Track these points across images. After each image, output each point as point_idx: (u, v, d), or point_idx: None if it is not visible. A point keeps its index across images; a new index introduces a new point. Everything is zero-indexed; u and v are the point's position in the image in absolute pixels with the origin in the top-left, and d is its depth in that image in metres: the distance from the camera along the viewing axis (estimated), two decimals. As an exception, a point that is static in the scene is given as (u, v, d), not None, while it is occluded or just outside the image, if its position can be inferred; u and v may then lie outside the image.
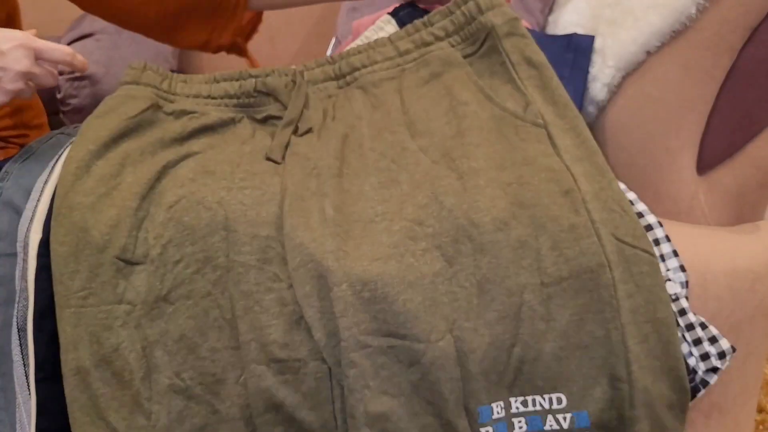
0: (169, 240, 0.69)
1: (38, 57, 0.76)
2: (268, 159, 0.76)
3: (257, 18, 1.07)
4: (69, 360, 0.67)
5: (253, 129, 0.81)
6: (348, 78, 0.84)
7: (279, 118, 0.81)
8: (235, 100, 0.83)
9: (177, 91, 0.84)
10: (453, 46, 0.83)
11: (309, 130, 0.79)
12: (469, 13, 0.81)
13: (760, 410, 1.23)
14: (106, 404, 0.66)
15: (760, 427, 1.20)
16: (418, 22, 0.85)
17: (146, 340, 0.68)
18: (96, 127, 0.76)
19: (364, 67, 0.84)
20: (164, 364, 0.67)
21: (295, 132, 0.79)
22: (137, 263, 0.69)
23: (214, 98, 0.83)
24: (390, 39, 0.85)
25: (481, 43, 0.81)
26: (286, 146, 0.77)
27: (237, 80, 0.84)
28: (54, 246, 0.69)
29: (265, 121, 0.82)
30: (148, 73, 0.82)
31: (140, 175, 0.73)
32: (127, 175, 0.73)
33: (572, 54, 0.92)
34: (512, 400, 0.66)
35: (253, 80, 0.83)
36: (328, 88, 0.84)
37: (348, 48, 0.88)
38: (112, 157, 0.74)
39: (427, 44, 0.84)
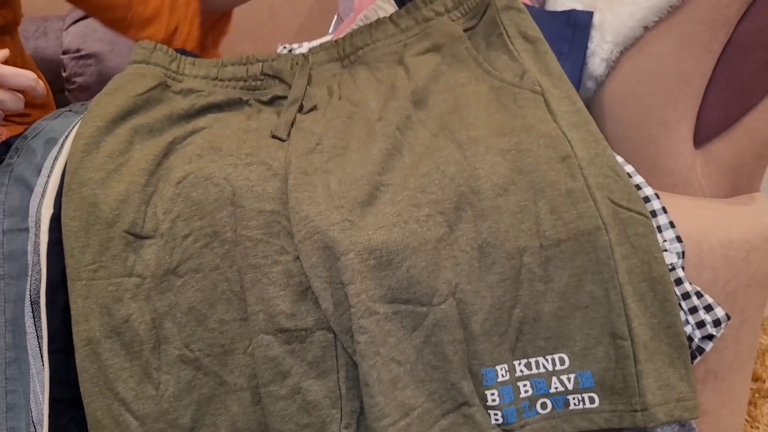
0: (178, 215, 0.71)
1: (2, 83, 0.75)
2: (274, 137, 0.78)
3: (226, 20, 1.06)
4: (80, 331, 0.68)
5: (259, 109, 0.84)
6: (351, 57, 0.87)
7: (284, 97, 0.83)
8: (242, 83, 0.85)
9: (185, 72, 0.85)
10: (453, 21, 0.84)
11: (314, 108, 0.81)
12: None
13: (756, 379, 1.26)
14: (115, 375, 0.68)
15: (756, 395, 1.22)
16: (418, 0, 0.87)
17: (156, 312, 0.69)
18: (104, 104, 0.77)
19: (367, 45, 0.86)
20: (173, 336, 0.69)
21: (300, 110, 0.80)
22: (146, 237, 0.71)
23: (221, 80, 0.85)
24: (391, 18, 0.87)
25: (480, 18, 0.83)
26: (292, 124, 0.79)
27: (244, 64, 0.86)
28: (65, 221, 0.71)
29: (271, 102, 0.84)
30: (157, 53, 0.84)
31: (148, 151, 0.75)
32: (136, 152, 0.75)
33: (571, 30, 0.93)
34: (516, 363, 0.68)
35: (260, 64, 0.85)
36: (333, 68, 0.87)
37: (349, 30, 0.90)
38: (121, 134, 0.76)
39: (428, 20, 0.86)
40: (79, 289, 0.69)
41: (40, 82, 0.77)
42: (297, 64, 0.85)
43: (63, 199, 0.72)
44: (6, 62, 0.76)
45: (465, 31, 0.84)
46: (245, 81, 0.86)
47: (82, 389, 0.68)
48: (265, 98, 0.84)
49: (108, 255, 0.70)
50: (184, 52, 0.96)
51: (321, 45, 0.88)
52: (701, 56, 0.83)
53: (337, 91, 0.83)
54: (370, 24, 0.87)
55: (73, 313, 0.69)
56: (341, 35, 0.89)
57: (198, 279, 0.69)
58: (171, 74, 0.84)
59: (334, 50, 0.87)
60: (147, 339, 0.69)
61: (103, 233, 0.70)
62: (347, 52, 0.87)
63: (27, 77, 0.76)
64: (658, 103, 0.85)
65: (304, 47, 1.13)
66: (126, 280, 0.70)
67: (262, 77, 0.85)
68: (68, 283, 0.70)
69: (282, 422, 0.67)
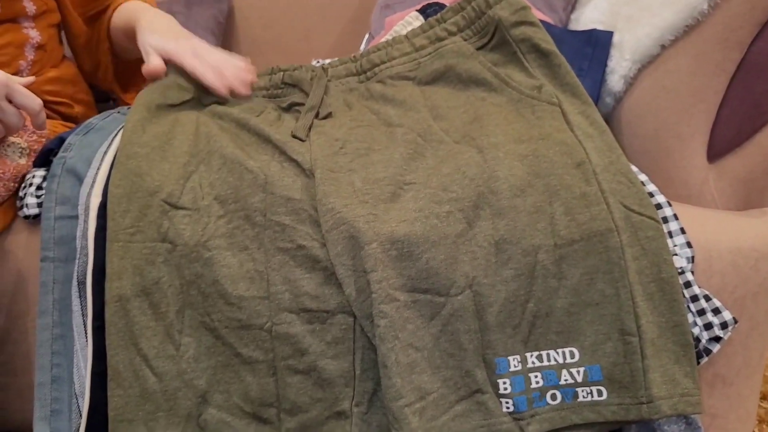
0: (216, 196, 0.76)
1: (9, 97, 0.80)
2: (294, 137, 0.82)
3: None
4: (112, 288, 0.73)
5: (278, 114, 0.89)
6: (368, 74, 0.92)
7: (302, 104, 0.88)
8: (264, 92, 0.92)
9: None
10: (465, 40, 0.90)
11: (329, 115, 0.86)
12: (479, 8, 0.90)
13: (764, 398, 1.26)
14: (140, 331, 0.72)
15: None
16: (431, 19, 0.92)
17: (184, 278, 0.74)
18: (148, 97, 0.85)
19: (383, 63, 0.92)
20: (198, 303, 0.73)
21: (317, 116, 0.86)
22: (182, 208, 0.76)
23: None
24: (407, 36, 0.93)
25: (491, 36, 0.88)
26: (309, 127, 0.84)
27: (269, 75, 0.92)
28: (111, 188, 0.76)
29: (289, 108, 0.90)
30: None
31: (190, 135, 0.82)
32: (178, 134, 0.82)
33: (591, 48, 0.98)
34: (528, 354, 0.72)
35: (281, 73, 0.91)
36: (350, 83, 0.92)
37: (369, 47, 0.96)
38: (163, 120, 0.83)
39: (441, 39, 0.91)
40: (116, 250, 0.74)
41: (43, 113, 0.83)
42: (316, 75, 0.91)
43: (112, 170, 0.78)
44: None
45: (478, 49, 0.89)
46: (267, 90, 0.92)
47: (107, 342, 0.72)
48: (283, 105, 0.90)
49: (145, 221, 0.75)
50: None
51: (340, 59, 0.94)
52: (715, 74, 0.86)
53: (355, 103, 0.88)
54: (387, 42, 0.93)
55: (108, 271, 0.74)
56: (367, 52, 0.94)
57: (226, 256, 0.74)
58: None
59: (352, 65, 0.93)
60: (174, 302, 0.74)
61: (143, 200, 0.76)
62: (364, 68, 0.93)
63: (34, 101, 0.81)
64: (673, 118, 0.89)
65: (338, 59, 1.18)
66: (159, 245, 0.75)
67: (283, 86, 0.92)
68: (107, 244, 0.75)
69: (296, 394, 0.71)
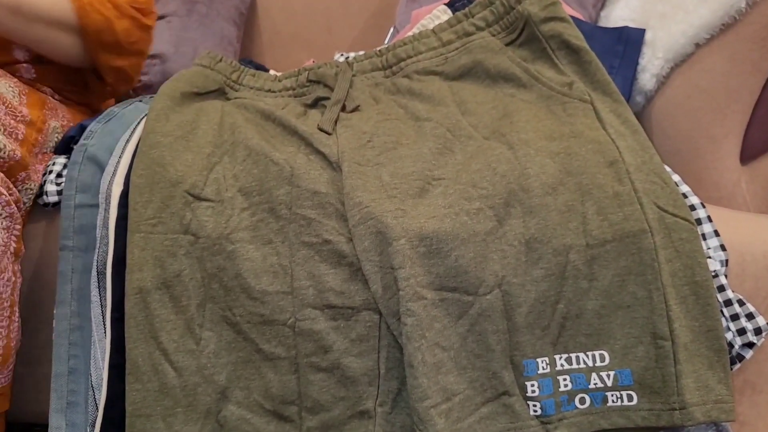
0: (240, 188, 0.75)
1: None
2: (320, 129, 0.81)
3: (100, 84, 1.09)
4: (133, 279, 0.72)
5: (304, 110, 0.87)
6: (394, 68, 0.90)
7: (327, 98, 0.87)
8: (291, 91, 0.90)
9: (243, 83, 0.91)
10: (494, 35, 0.88)
11: (356, 108, 0.84)
12: (508, 3, 0.87)
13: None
14: (160, 325, 0.71)
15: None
16: (459, 13, 0.90)
17: (206, 271, 0.72)
18: (172, 86, 0.84)
19: (409, 57, 0.90)
20: (220, 297, 0.72)
21: (343, 110, 0.84)
22: (205, 199, 0.74)
23: (273, 92, 0.91)
24: (434, 30, 0.91)
25: (520, 31, 0.86)
26: (336, 121, 0.82)
27: (295, 76, 0.91)
28: (133, 178, 0.75)
29: (315, 104, 0.88)
30: (221, 63, 0.90)
31: (214, 125, 0.80)
32: (202, 123, 0.80)
33: (623, 46, 0.96)
34: (557, 357, 0.70)
35: (306, 73, 0.90)
36: (376, 77, 0.90)
37: (395, 40, 0.94)
38: (187, 110, 0.82)
39: (469, 34, 0.89)
40: (137, 241, 0.73)
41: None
42: (341, 69, 0.89)
43: (134, 160, 0.77)
44: None
45: (507, 45, 0.87)
46: (294, 89, 0.90)
47: (126, 335, 0.71)
48: (308, 101, 0.88)
49: (168, 212, 0.74)
50: (250, 62, 1.01)
51: (365, 54, 0.92)
52: (751, 74, 0.84)
53: (382, 97, 0.87)
54: (414, 36, 0.91)
55: (128, 262, 0.72)
56: (391, 45, 0.93)
57: (249, 250, 0.72)
58: (230, 83, 0.90)
59: (377, 60, 0.91)
60: (195, 295, 0.72)
61: (166, 191, 0.75)
62: (390, 63, 0.91)
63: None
64: (706, 118, 0.87)
65: (363, 54, 1.17)
66: (181, 237, 0.73)
67: (308, 84, 0.90)
68: (128, 234, 0.73)
69: (319, 392, 0.70)
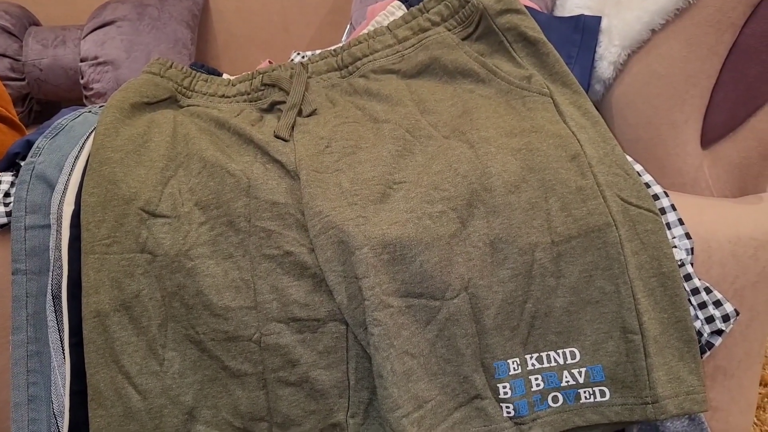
0: (196, 202, 0.73)
1: None
2: (277, 137, 0.79)
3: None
4: (90, 303, 0.69)
5: (260, 115, 0.85)
6: (350, 68, 0.88)
7: (283, 103, 0.85)
8: (245, 96, 0.88)
9: (196, 89, 0.88)
10: (449, 30, 0.86)
11: (313, 112, 0.82)
12: None
13: (764, 384, 1.25)
14: (121, 348, 0.69)
15: (765, 399, 1.22)
16: (414, 9, 0.89)
17: (165, 290, 0.70)
18: (121, 97, 0.81)
19: (365, 56, 0.88)
20: (182, 316, 0.70)
21: (299, 114, 0.82)
22: (161, 216, 0.72)
23: (227, 97, 0.88)
24: (389, 27, 0.89)
25: (477, 25, 0.85)
26: (292, 126, 0.80)
27: (249, 80, 0.88)
28: (84, 197, 0.72)
29: (270, 108, 0.86)
30: (172, 70, 0.88)
31: (167, 137, 0.78)
32: (154, 136, 0.78)
33: (580, 34, 0.95)
34: (527, 357, 0.69)
35: (261, 76, 0.87)
36: (332, 78, 0.88)
37: (349, 39, 0.92)
38: (138, 122, 0.79)
39: (425, 30, 0.88)
40: (92, 262, 0.70)
41: None
42: (295, 72, 0.87)
43: (85, 178, 0.74)
44: None
45: (463, 39, 0.86)
46: (248, 94, 0.88)
47: (86, 360, 0.69)
48: (264, 106, 0.86)
49: (122, 231, 0.72)
50: (202, 66, 0.99)
51: (320, 54, 0.90)
52: (707, 58, 0.84)
53: (339, 99, 0.85)
54: (368, 33, 0.89)
55: (84, 285, 0.70)
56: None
57: (209, 265, 0.70)
58: (182, 90, 0.88)
59: (333, 60, 0.89)
60: (155, 315, 0.70)
61: (119, 209, 0.72)
62: (346, 63, 0.89)
63: None
64: (665, 104, 0.87)
65: (318, 54, 1.15)
66: (138, 256, 0.71)
67: (263, 88, 0.88)
68: (82, 256, 0.71)
69: (289, 407, 0.68)
